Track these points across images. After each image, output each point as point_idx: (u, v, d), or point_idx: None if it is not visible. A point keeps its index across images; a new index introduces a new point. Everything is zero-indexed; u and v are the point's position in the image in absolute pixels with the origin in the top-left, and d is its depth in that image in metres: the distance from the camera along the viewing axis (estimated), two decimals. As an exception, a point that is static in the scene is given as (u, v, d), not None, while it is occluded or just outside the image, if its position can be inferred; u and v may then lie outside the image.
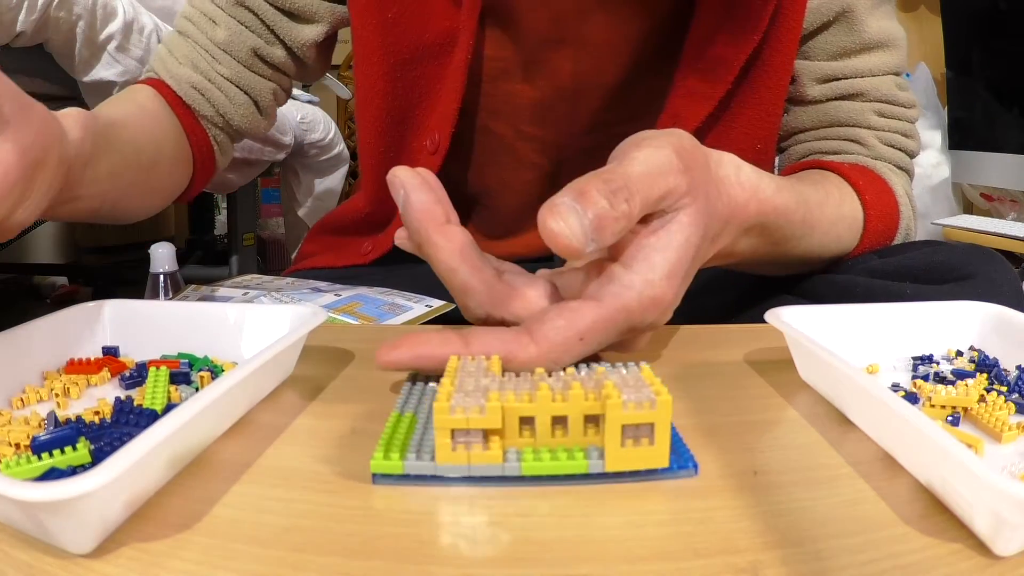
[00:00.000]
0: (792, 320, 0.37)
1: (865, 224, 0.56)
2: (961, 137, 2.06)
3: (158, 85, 0.61)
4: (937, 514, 0.26)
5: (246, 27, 0.61)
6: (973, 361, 0.38)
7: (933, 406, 0.34)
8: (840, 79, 0.62)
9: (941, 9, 2.08)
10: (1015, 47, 1.86)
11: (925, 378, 0.37)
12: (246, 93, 0.63)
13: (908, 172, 0.64)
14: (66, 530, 0.23)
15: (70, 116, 0.41)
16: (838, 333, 0.39)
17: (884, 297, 0.48)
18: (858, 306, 0.41)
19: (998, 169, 1.96)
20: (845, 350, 0.37)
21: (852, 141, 0.63)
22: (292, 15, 0.62)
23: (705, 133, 0.61)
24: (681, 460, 0.29)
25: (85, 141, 0.41)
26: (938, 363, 0.39)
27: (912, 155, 0.64)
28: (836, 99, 0.63)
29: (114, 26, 1.04)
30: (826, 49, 0.61)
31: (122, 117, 0.53)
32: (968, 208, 2.20)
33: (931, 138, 2.09)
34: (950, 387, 0.35)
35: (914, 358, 0.39)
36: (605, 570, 0.23)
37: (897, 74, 0.63)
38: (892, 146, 0.63)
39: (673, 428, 0.30)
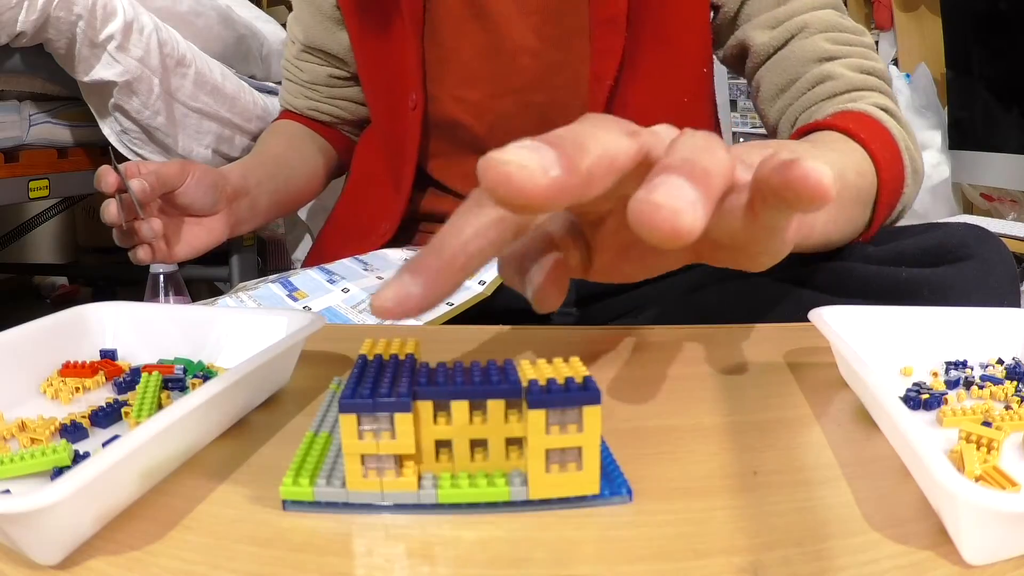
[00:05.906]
0: (834, 321, 0.37)
1: (877, 169, 0.54)
2: (961, 137, 2.05)
3: (291, 116, 0.92)
4: (937, 514, 0.25)
5: (316, 64, 0.88)
6: (1007, 367, 0.38)
7: (955, 412, 0.33)
8: (784, 21, 0.68)
9: (941, 9, 2.08)
10: (1015, 47, 1.86)
11: (956, 383, 0.37)
12: (339, 98, 0.90)
13: (886, 92, 0.64)
14: (30, 542, 0.22)
15: (226, 169, 0.72)
16: (883, 334, 0.39)
17: (880, 282, 0.49)
18: (903, 308, 0.40)
19: (998, 169, 1.95)
20: (886, 351, 0.38)
21: (822, 82, 0.64)
22: (326, 52, 0.86)
23: (622, 87, 0.69)
24: (613, 486, 0.26)
25: (242, 178, 0.73)
26: (971, 368, 0.38)
27: (881, 75, 0.65)
28: (787, 41, 0.67)
29: (114, 26, 1.04)
30: (763, 5, 0.69)
31: (269, 147, 0.86)
32: (968, 208, 2.19)
33: (931, 138, 2.09)
34: (982, 390, 0.35)
35: (947, 363, 0.39)
36: (605, 570, 0.23)
37: (835, 9, 0.68)
38: (862, 72, 0.64)
39: (606, 448, 0.29)
